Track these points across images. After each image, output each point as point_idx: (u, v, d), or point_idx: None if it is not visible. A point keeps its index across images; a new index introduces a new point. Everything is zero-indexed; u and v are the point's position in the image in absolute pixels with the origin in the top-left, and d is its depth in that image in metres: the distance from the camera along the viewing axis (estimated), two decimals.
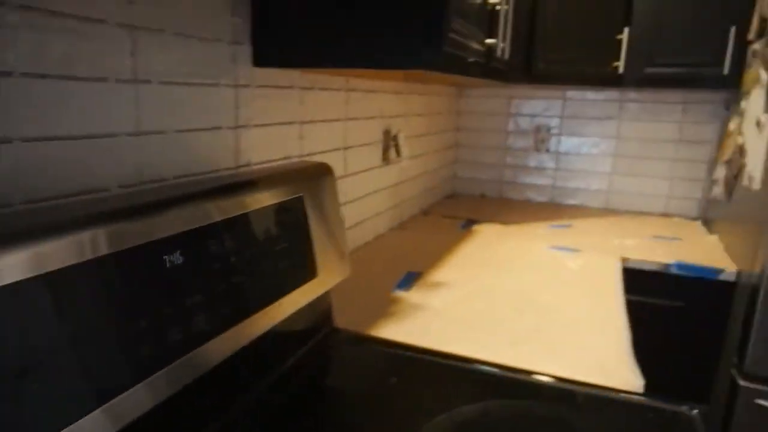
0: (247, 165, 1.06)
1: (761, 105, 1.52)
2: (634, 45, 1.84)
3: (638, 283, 1.64)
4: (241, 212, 0.76)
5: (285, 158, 1.19)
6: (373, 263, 1.47)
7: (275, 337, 0.86)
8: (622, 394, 0.87)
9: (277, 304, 0.82)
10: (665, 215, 2.21)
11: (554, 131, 2.33)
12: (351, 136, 1.48)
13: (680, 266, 1.59)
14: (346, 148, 1.47)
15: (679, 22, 1.78)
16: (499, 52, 1.23)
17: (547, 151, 2.36)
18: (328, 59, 0.98)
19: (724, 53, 1.73)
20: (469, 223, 1.96)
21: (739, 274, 1.54)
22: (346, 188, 1.49)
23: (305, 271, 0.90)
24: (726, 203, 1.78)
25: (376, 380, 0.91)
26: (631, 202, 2.27)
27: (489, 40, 1.22)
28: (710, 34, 1.75)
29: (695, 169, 2.15)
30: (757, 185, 1.48)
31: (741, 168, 1.63)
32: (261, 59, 1.03)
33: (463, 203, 2.33)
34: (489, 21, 1.22)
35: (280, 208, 0.85)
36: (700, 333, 1.63)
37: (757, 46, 1.61)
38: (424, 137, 2.04)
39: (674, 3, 1.77)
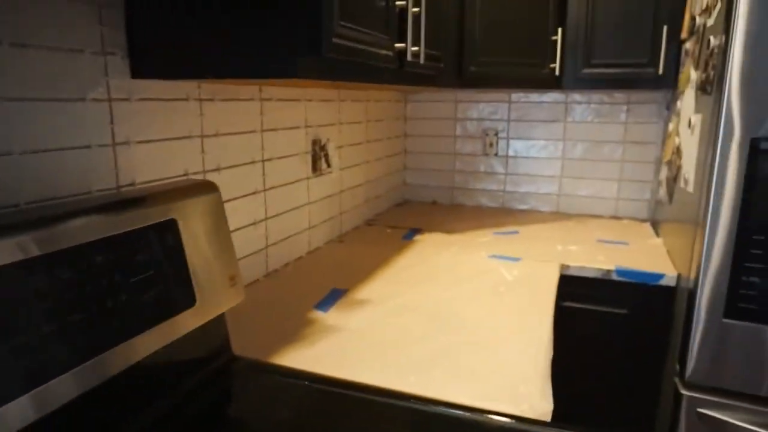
0: (131, 185, 0.98)
1: (692, 105, 1.49)
2: (570, 46, 1.80)
3: (581, 290, 1.60)
4: (95, 238, 0.68)
5: (183, 175, 1.11)
6: (298, 281, 1.40)
7: (153, 367, 0.78)
8: (529, 425, 0.81)
9: (146, 334, 0.74)
10: (615, 218, 2.17)
11: (502, 135, 2.28)
12: (271, 147, 1.41)
13: (621, 272, 1.54)
14: (265, 161, 1.39)
15: (612, 22, 1.75)
16: (409, 56, 1.17)
17: (496, 155, 2.31)
18: (205, 70, 0.91)
19: (658, 53, 1.70)
20: (413, 233, 1.90)
21: (678, 278, 1.50)
22: (268, 202, 1.41)
23: (180, 299, 0.82)
24: (669, 205, 1.74)
25: (267, 414, 0.83)
26: (581, 205, 2.23)
27: (398, 45, 1.16)
28: (644, 34, 1.72)
29: (643, 170, 2.12)
30: (690, 187, 1.44)
31: (678, 169, 1.59)
32: (138, 71, 0.95)
33: (412, 211, 2.26)
34: (398, 25, 1.16)
35: (147, 233, 0.77)
36: (645, 341, 1.58)
37: (688, 44, 1.58)
38: (363, 145, 1.98)
39: (607, 2, 1.74)
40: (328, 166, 1.65)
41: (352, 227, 1.96)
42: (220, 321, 0.95)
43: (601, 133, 2.14)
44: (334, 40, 0.88)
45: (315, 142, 1.62)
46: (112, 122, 0.93)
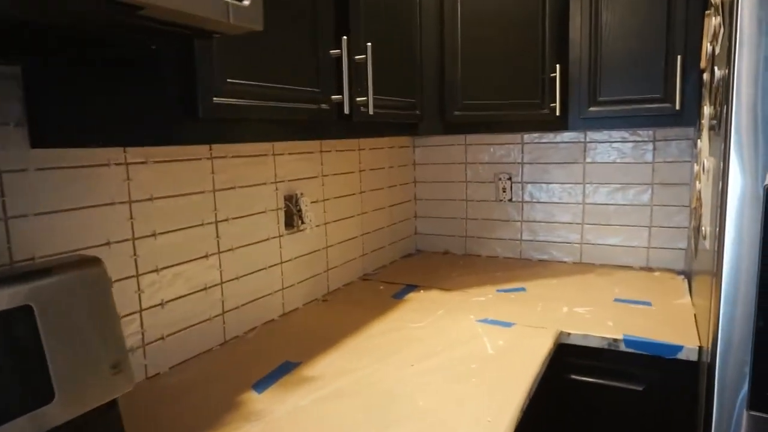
0: (31, 259, 0.92)
1: (707, 146, 1.27)
2: (573, 83, 1.62)
3: (589, 361, 1.37)
4: None
5: (105, 244, 1.04)
6: (252, 351, 1.29)
7: None
8: None
9: None
10: (647, 269, 1.91)
11: (516, 179, 2.10)
12: (227, 207, 1.33)
13: (630, 342, 1.31)
14: (220, 222, 1.31)
15: (619, 54, 1.55)
16: (346, 108, 1.06)
17: (510, 200, 2.12)
18: (94, 138, 0.84)
19: (674, 86, 1.49)
20: (406, 290, 1.75)
21: (700, 352, 1.24)
22: (224, 265, 1.33)
23: (32, 395, 0.73)
24: (695, 259, 1.49)
25: None
26: (607, 254, 1.98)
27: (335, 97, 1.05)
28: (656, 66, 1.51)
29: (677, 215, 1.86)
30: (707, 243, 1.21)
31: (699, 219, 1.36)
32: (39, 140, 0.90)
33: (418, 263, 2.11)
34: (335, 76, 1.06)
35: None
36: (664, 425, 1.32)
37: (706, 75, 1.36)
38: (356, 196, 1.87)
39: (612, 32, 1.55)
40: (302, 222, 1.55)
41: (344, 283, 1.83)
42: (104, 415, 0.85)
43: (625, 174, 1.91)
44: (217, 100, 0.79)
45: (288, 198, 1.53)
46: (3, 195, 0.88)
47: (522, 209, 2.11)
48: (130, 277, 1.10)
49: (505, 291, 1.71)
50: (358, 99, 1.14)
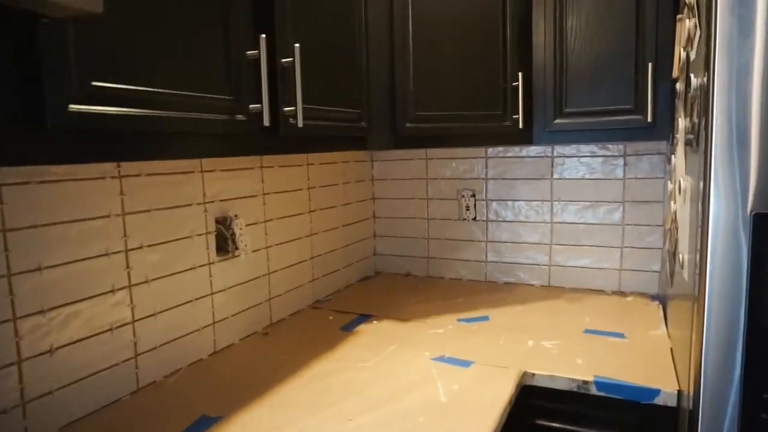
0: None
1: (682, 164, 1.14)
2: (537, 93, 1.48)
3: (557, 404, 1.22)
4: None
5: None
6: (166, 402, 1.10)
7: None
8: None
9: None
10: (619, 293, 1.78)
11: (480, 196, 1.95)
12: (142, 233, 1.14)
13: (602, 384, 1.16)
14: (130, 250, 1.12)
15: (587, 62, 1.43)
16: (266, 120, 0.89)
17: (474, 219, 1.97)
18: None
19: (645, 97, 1.36)
20: (358, 321, 1.58)
21: (679, 397, 1.10)
22: (137, 300, 1.14)
23: None
24: (671, 287, 1.36)
25: None
26: (577, 277, 1.85)
27: (253, 107, 0.89)
28: (625, 74, 1.39)
29: (650, 235, 1.73)
30: (685, 274, 1.07)
31: (676, 244, 1.22)
32: None
33: (376, 288, 1.94)
34: (255, 83, 0.89)
35: None
36: None
37: (679, 84, 1.24)
38: (304, 216, 1.70)
39: (579, 38, 1.43)
40: (236, 248, 1.37)
41: (290, 313, 1.65)
42: None
43: (595, 191, 1.78)
44: (72, 108, 0.61)
45: (221, 221, 1.36)
46: None
47: (487, 228, 1.96)
48: (4, 322, 0.91)
49: (466, 321, 1.55)
50: (285, 109, 0.97)
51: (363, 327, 1.53)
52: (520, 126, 1.45)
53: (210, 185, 1.33)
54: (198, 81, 0.80)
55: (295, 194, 1.65)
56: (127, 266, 1.12)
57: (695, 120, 0.98)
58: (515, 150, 1.87)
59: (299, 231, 1.68)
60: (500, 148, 1.89)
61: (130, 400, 1.11)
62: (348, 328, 1.52)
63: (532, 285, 1.91)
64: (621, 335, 1.40)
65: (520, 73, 1.43)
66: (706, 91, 0.89)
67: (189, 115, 0.79)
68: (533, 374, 1.21)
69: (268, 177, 1.53)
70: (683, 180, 1.10)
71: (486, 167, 1.93)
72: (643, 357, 1.26)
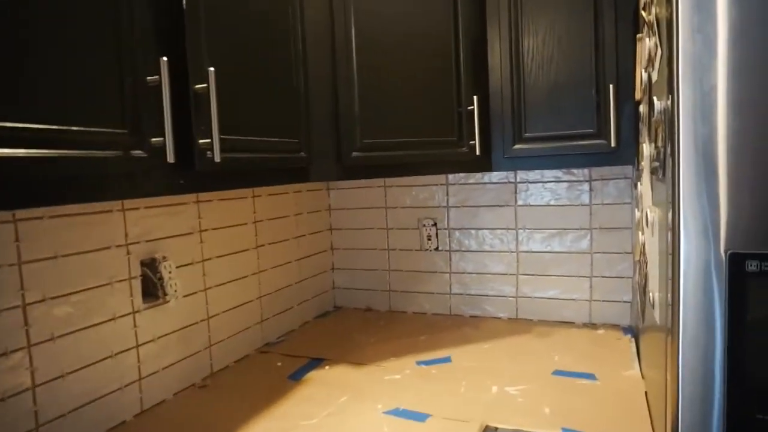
0: None
1: (649, 193, 1.04)
2: (494, 117, 1.39)
3: None
4: None
5: None
6: None
7: None
8: None
9: None
10: (590, 326, 1.67)
11: (441, 225, 1.85)
12: (45, 284, 1.00)
13: None
14: (34, 303, 0.98)
15: (546, 84, 1.34)
16: (170, 156, 0.76)
17: (437, 249, 1.86)
18: None
19: (607, 120, 1.28)
20: (309, 367, 1.44)
21: None
22: (39, 360, 0.98)
23: None
24: (642, 323, 1.26)
25: None
26: (546, 309, 1.74)
27: (155, 140, 0.76)
28: (586, 96, 1.31)
29: (619, 263, 1.64)
30: (657, 315, 0.97)
31: (645, 279, 1.13)
32: None
33: (332, 326, 1.81)
34: (157, 113, 0.77)
35: None
36: None
37: (642, 107, 1.15)
38: (250, 252, 1.56)
39: (536, 59, 1.34)
40: (165, 293, 1.22)
41: (235, 359, 1.50)
42: None
43: (561, 218, 1.69)
44: None
45: (147, 263, 1.21)
46: None
47: (450, 259, 1.85)
48: None
49: (427, 364, 1.42)
50: (201, 141, 0.85)
51: (313, 374, 1.39)
52: (477, 152, 1.35)
53: (134, 224, 1.19)
54: (84, 112, 0.67)
55: (238, 229, 1.52)
56: (26, 323, 0.97)
57: (660, 146, 0.89)
58: (477, 176, 1.77)
59: (244, 269, 1.54)
60: (461, 175, 1.79)
61: None
62: (296, 377, 1.38)
63: (500, 318, 1.80)
64: (592, 376, 1.29)
65: (475, 97, 1.34)
66: (670, 116, 0.80)
67: (71, 153, 0.66)
68: (496, 428, 1.08)
69: (206, 212, 1.40)
70: (650, 212, 1.00)
71: (447, 194, 1.83)
72: (616, 402, 1.15)
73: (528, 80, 1.36)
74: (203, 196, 1.39)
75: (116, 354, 1.14)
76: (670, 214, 0.81)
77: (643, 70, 1.08)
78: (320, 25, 1.19)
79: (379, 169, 1.29)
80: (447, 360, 1.45)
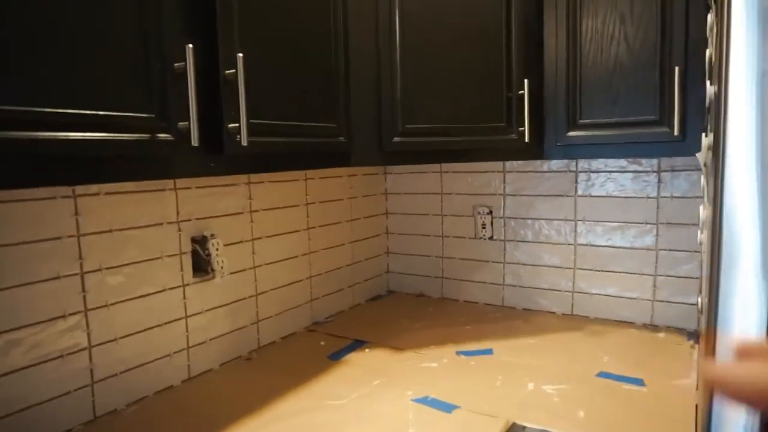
0: None
1: (706, 189, 0.95)
2: (549, 102, 1.32)
3: None
4: None
5: None
6: None
7: None
8: None
9: None
10: (650, 327, 1.56)
11: (497, 213, 1.79)
12: (101, 255, 1.09)
13: None
14: (91, 272, 1.07)
15: (604, 66, 1.25)
16: (194, 140, 0.80)
17: (491, 238, 1.81)
18: None
19: (671, 106, 1.17)
20: (350, 348, 1.46)
21: None
22: (94, 324, 1.08)
23: None
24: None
25: None
26: (604, 307, 1.65)
27: (181, 124, 0.80)
28: (648, 80, 1.20)
29: (687, 262, 1.51)
30: (702, 322, 0.89)
31: (700, 281, 1.03)
32: None
33: (384, 309, 1.82)
34: (185, 98, 0.80)
35: None
36: None
37: (710, 90, 1.04)
38: (300, 234, 1.60)
39: (596, 40, 1.25)
40: (212, 270, 1.29)
41: (282, 335, 1.56)
42: None
43: (625, 211, 1.58)
44: None
45: (198, 240, 1.29)
46: None
47: (505, 249, 1.80)
48: None
49: (467, 354, 1.40)
50: (230, 126, 0.88)
51: (352, 356, 1.41)
52: (526, 140, 1.29)
53: (186, 203, 1.26)
54: (112, 98, 0.72)
55: (289, 211, 1.56)
56: (83, 290, 1.06)
57: (711, 137, 0.80)
58: (535, 164, 1.69)
59: (295, 249, 1.59)
60: (518, 162, 1.73)
61: (82, 430, 1.05)
62: (336, 357, 1.41)
63: (553, 313, 1.73)
64: (640, 382, 1.21)
65: (526, 81, 1.27)
66: (717, 103, 0.72)
67: (102, 136, 0.71)
68: (523, 427, 1.05)
69: (257, 193, 1.45)
70: (703, 210, 0.91)
71: (504, 182, 1.77)
72: (659, 412, 1.07)
73: (586, 63, 1.27)
74: (254, 177, 1.44)
75: (165, 323, 1.23)
76: (714, 221, 0.73)
77: (707, 50, 0.98)
78: (363, 5, 1.18)
79: (422, 155, 1.27)
80: (488, 352, 1.42)
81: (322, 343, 1.52)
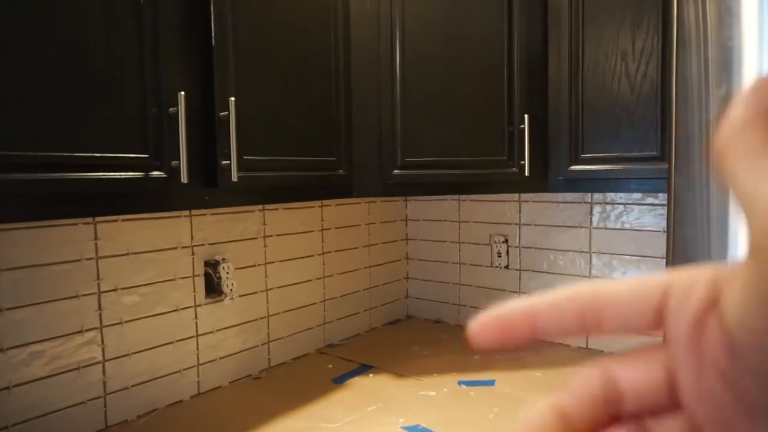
0: None
1: None
2: (552, 135, 1.33)
3: None
4: None
5: None
6: None
7: None
8: None
9: None
10: None
11: (512, 242, 1.79)
12: (117, 276, 1.19)
13: None
14: (108, 292, 1.17)
15: (606, 100, 1.25)
16: (184, 177, 0.87)
17: (506, 267, 1.81)
18: None
19: (671, 141, 1.15)
20: (356, 372, 1.50)
21: None
22: (109, 340, 1.18)
23: None
24: None
25: None
26: (619, 342, 1.60)
27: (174, 162, 0.88)
28: (648, 114, 1.19)
29: None
30: None
31: None
32: None
33: (398, 334, 1.85)
34: (176, 138, 0.89)
35: None
36: None
37: None
38: (315, 258, 1.67)
39: (597, 74, 1.26)
40: (223, 292, 1.37)
41: (293, 357, 1.62)
42: None
43: (640, 245, 1.55)
44: None
45: (211, 264, 1.37)
46: None
47: (520, 278, 1.79)
48: None
49: (468, 384, 1.41)
50: (223, 163, 0.96)
51: (356, 380, 1.45)
52: (527, 173, 1.30)
53: (200, 229, 1.35)
54: (111, 142, 0.81)
55: (304, 236, 1.63)
56: (99, 308, 1.17)
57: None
58: (547, 195, 1.69)
59: (308, 273, 1.65)
60: (531, 193, 1.72)
61: None
62: (341, 380, 1.45)
63: (568, 345, 1.70)
64: None
65: (526, 115, 1.29)
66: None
67: (98, 175, 0.80)
68: None
69: (271, 219, 1.53)
70: None
71: (519, 211, 1.77)
72: None
73: (588, 98, 1.27)
74: (269, 205, 1.52)
75: (177, 341, 1.31)
76: None
77: None
78: (364, 43, 1.24)
79: (423, 187, 1.31)
80: (491, 383, 1.42)
81: (330, 366, 1.56)
